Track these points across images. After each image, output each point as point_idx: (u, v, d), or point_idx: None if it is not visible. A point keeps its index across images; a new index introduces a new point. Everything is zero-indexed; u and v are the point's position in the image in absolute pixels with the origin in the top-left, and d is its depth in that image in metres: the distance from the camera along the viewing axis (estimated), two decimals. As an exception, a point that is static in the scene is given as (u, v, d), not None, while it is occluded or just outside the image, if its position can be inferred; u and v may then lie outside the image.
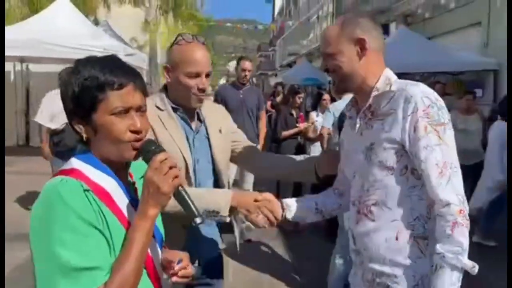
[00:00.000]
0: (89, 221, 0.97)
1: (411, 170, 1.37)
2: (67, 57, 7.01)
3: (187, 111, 1.77)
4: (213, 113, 1.91)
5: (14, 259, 3.98)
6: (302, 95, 5.56)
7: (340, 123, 3.30)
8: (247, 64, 4.91)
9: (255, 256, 4.55)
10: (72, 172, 1.04)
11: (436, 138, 1.31)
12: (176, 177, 1.05)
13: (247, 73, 4.90)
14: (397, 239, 1.39)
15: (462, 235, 1.26)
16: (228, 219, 1.72)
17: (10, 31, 8.53)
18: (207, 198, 1.62)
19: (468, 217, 1.29)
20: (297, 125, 5.27)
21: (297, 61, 27.05)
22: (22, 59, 9.92)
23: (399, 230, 1.39)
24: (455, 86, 10.86)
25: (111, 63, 1.09)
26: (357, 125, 1.50)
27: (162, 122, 1.71)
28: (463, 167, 4.77)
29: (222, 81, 40.92)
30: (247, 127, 4.58)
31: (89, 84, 1.03)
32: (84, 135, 1.09)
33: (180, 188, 1.08)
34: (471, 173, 5.07)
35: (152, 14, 16.87)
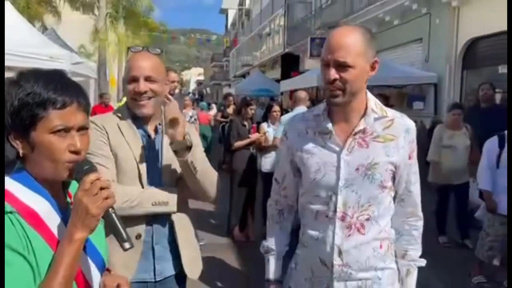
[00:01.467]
0: (10, 246, 0.91)
1: (394, 189, 1.56)
2: (11, 65, 6.65)
3: (143, 119, 1.75)
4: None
5: None
6: (254, 107, 5.58)
7: None
8: (172, 76, 4.73)
9: (208, 267, 4.51)
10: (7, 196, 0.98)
11: (417, 165, 1.60)
12: (107, 198, 1.01)
13: (174, 85, 4.72)
14: (381, 247, 1.53)
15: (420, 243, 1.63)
16: (175, 209, 1.73)
17: None
18: (154, 192, 1.69)
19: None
20: (250, 135, 5.29)
21: (250, 72, 27.27)
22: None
23: (382, 239, 1.54)
24: (398, 98, 11.36)
25: (56, 79, 1.05)
26: (341, 142, 1.50)
27: (120, 130, 1.70)
28: (451, 187, 5.03)
29: (177, 91, 40.37)
30: None
31: (30, 101, 0.99)
32: (21, 151, 1.03)
33: (110, 210, 1.04)
34: (458, 193, 5.21)
35: (102, 22, 16.45)
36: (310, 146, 1.56)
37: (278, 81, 17.26)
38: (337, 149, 1.50)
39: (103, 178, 1.04)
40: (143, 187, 1.71)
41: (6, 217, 0.93)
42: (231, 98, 11.76)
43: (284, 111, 6.19)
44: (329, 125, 1.51)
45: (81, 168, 1.04)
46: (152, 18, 22.89)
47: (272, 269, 1.73)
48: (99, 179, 1.01)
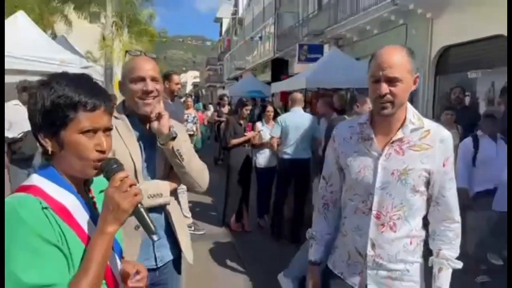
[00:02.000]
0: (48, 239, 0.92)
1: (429, 194, 1.58)
2: (24, 68, 6.57)
3: (140, 118, 1.74)
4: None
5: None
6: (249, 107, 5.57)
7: (328, 133, 3.38)
8: (176, 78, 4.67)
9: (206, 252, 4.52)
10: (31, 188, 0.98)
11: (453, 172, 1.59)
12: (136, 195, 1.01)
13: (178, 87, 4.69)
14: (411, 243, 1.58)
15: (458, 246, 1.59)
16: (169, 200, 1.76)
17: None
18: (148, 186, 1.68)
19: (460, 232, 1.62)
20: (245, 134, 5.28)
21: (242, 75, 27.17)
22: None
23: (413, 237, 1.58)
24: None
25: (86, 83, 1.04)
26: (380, 148, 1.57)
27: (116, 128, 1.66)
28: None
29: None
30: None
31: (62, 102, 0.98)
32: (50, 149, 1.02)
33: (139, 205, 1.03)
34: None
35: (108, 30, 16.36)
36: (353, 150, 1.64)
37: (268, 83, 17.22)
38: (376, 155, 1.57)
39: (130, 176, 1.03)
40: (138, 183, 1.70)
41: (41, 212, 0.93)
42: (226, 98, 11.80)
43: (275, 111, 6.15)
44: (371, 133, 1.58)
45: (110, 166, 1.04)
46: (153, 26, 22.72)
47: (313, 252, 1.81)
48: (127, 177, 1.02)
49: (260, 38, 23.53)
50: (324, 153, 5.11)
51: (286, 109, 6.64)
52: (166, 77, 4.71)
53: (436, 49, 9.60)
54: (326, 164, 1.82)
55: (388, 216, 1.55)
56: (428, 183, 1.55)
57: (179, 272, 1.95)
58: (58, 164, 1.04)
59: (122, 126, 1.70)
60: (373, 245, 1.57)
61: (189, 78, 71.19)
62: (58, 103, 0.98)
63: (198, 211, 5.80)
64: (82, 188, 1.11)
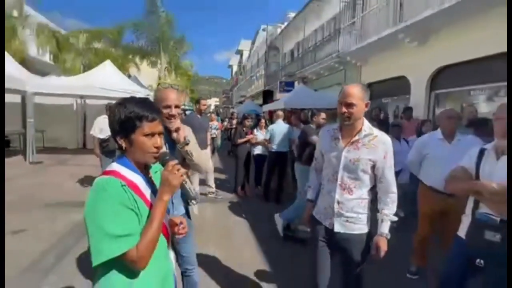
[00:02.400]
0: (126, 205, 0.88)
1: (375, 174, 1.56)
2: (109, 95, 6.60)
3: (166, 128, 1.60)
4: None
5: (72, 219, 3.57)
6: (250, 120, 5.49)
7: (301, 136, 3.64)
8: (203, 102, 4.53)
9: (224, 209, 4.48)
10: (113, 172, 0.93)
11: (392, 161, 1.54)
12: (181, 175, 0.98)
13: (205, 107, 4.55)
14: (361, 202, 1.57)
15: (395, 207, 1.56)
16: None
17: (74, 79, 7.98)
18: None
19: (396, 199, 1.56)
20: (247, 136, 5.23)
21: (245, 100, 27.06)
22: (81, 96, 9.04)
23: (363, 199, 1.57)
24: (329, 116, 11.37)
25: (147, 104, 0.99)
26: (344, 145, 1.56)
27: None
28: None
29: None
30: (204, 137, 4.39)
31: (132, 116, 0.94)
32: (124, 146, 0.97)
33: (183, 182, 1.01)
34: None
35: (162, 72, 16.23)
36: (329, 144, 1.64)
37: (261, 105, 17.14)
38: (341, 148, 1.58)
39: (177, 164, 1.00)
40: None
41: (121, 188, 0.90)
42: (235, 114, 11.71)
43: (265, 122, 6.08)
44: (339, 135, 1.60)
45: (165, 157, 1.01)
46: (190, 70, 22.61)
47: (310, 194, 1.83)
48: (176, 164, 0.99)
49: (256, 77, 23.41)
50: (295, 148, 5.04)
51: (272, 121, 6.56)
52: (197, 101, 4.62)
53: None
54: (316, 150, 1.82)
55: (347, 185, 1.56)
56: (373, 168, 1.54)
57: (190, 218, 1.82)
58: (129, 156, 1.00)
59: None
60: (338, 202, 1.58)
61: (212, 102, 70.93)
62: (130, 116, 0.95)
63: (218, 184, 5.75)
64: (145, 171, 1.06)
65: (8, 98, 6.91)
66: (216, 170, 6.31)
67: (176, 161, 0.99)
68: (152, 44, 16.42)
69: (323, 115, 3.68)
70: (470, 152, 1.60)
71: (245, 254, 3.03)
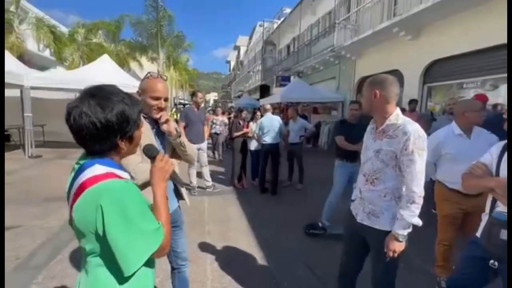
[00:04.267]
0: (145, 201, 0.84)
1: (398, 167, 1.36)
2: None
3: (153, 118, 1.51)
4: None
5: (67, 216, 3.45)
6: (244, 112, 5.33)
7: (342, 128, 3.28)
8: (200, 95, 4.38)
9: (221, 201, 4.37)
10: (112, 175, 0.82)
11: (417, 155, 1.29)
12: (172, 164, 0.98)
13: (201, 100, 4.38)
14: (385, 196, 1.42)
15: (417, 209, 1.31)
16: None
17: (72, 73, 7.78)
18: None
19: (421, 201, 1.31)
20: (243, 129, 5.08)
21: (243, 94, 26.80)
22: (79, 90, 8.78)
23: (387, 193, 1.41)
24: (324, 109, 11.29)
25: (130, 95, 0.91)
26: (373, 135, 1.48)
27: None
28: None
29: (202, 105, 39.79)
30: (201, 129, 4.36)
31: (138, 114, 0.91)
32: (122, 146, 0.87)
33: (174, 171, 1.02)
34: None
35: (161, 67, 15.93)
36: (366, 137, 1.57)
37: (258, 99, 16.95)
38: (370, 139, 1.51)
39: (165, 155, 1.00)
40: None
41: (131, 183, 0.85)
42: (232, 108, 11.55)
43: (261, 115, 5.91)
44: (374, 127, 1.51)
45: (154, 149, 1.02)
46: (190, 66, 22.30)
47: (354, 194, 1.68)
48: (165, 156, 0.99)
49: (253, 72, 23.11)
50: (285, 140, 4.80)
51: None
52: (194, 93, 4.43)
53: (357, 78, 9.42)
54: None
55: (370, 176, 1.46)
56: (396, 159, 1.36)
57: (181, 212, 1.75)
58: (117, 155, 0.89)
59: (146, 125, 1.51)
60: (360, 191, 1.52)
61: (212, 97, 70.62)
62: (138, 115, 0.90)
63: (215, 177, 5.64)
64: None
65: (8, 92, 6.68)
66: (214, 163, 6.18)
67: (163, 154, 0.98)
68: (150, 39, 16.06)
69: (354, 106, 3.23)
70: (492, 148, 1.42)
71: (241, 244, 2.95)
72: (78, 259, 2.50)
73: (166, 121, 1.48)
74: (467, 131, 2.03)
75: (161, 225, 0.84)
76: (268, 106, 5.01)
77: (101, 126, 0.80)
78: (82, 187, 0.79)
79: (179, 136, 1.52)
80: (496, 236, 1.25)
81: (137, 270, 0.78)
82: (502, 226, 1.24)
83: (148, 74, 1.50)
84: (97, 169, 0.81)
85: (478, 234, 1.40)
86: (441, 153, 2.09)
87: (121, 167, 0.87)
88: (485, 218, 1.38)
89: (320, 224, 3.22)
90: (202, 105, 4.57)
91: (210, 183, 4.86)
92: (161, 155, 0.97)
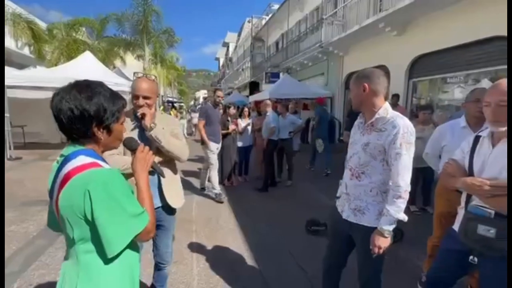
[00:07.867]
0: (129, 187, 0.88)
1: (386, 161, 1.33)
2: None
3: (139, 118, 1.56)
4: (160, 119, 1.63)
5: (45, 220, 3.29)
6: (233, 108, 5.18)
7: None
8: (219, 93, 4.39)
9: (205, 204, 4.29)
10: (95, 164, 0.85)
11: (405, 149, 1.27)
12: (152, 155, 1.04)
13: (220, 98, 4.36)
14: (371, 191, 1.38)
15: (403, 203, 1.28)
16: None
17: (51, 71, 7.40)
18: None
19: (407, 195, 1.28)
20: (230, 127, 4.94)
21: (232, 91, 26.63)
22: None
23: (373, 187, 1.37)
24: (312, 105, 11.25)
25: (115, 91, 0.95)
26: (362, 129, 1.43)
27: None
28: (417, 169, 3.10)
29: (191, 102, 39.23)
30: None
31: (120, 107, 0.95)
32: (99, 136, 0.90)
33: (153, 162, 1.06)
34: (422, 174, 3.68)
35: (147, 65, 15.54)
36: (355, 129, 1.52)
37: (247, 96, 16.84)
38: (360, 132, 1.46)
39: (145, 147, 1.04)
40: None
41: (116, 170, 0.87)
42: (221, 105, 11.38)
43: (249, 112, 5.80)
44: (362, 121, 1.47)
45: (135, 142, 1.11)
46: (178, 64, 21.80)
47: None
48: (145, 148, 1.04)
49: (242, 69, 22.94)
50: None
51: (259, 112, 6.26)
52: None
53: (345, 74, 9.48)
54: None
55: (356, 170, 1.42)
56: (384, 153, 1.32)
57: (171, 214, 1.69)
58: (97, 145, 0.92)
59: (128, 122, 1.58)
60: (346, 187, 1.48)
61: (201, 94, 69.97)
62: (119, 107, 0.93)
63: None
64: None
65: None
66: (201, 160, 6.04)
67: (143, 146, 1.03)
68: (135, 35, 15.60)
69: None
70: (463, 143, 1.37)
71: (230, 242, 2.89)
72: (56, 266, 2.37)
73: (142, 116, 1.53)
74: (474, 124, 1.83)
75: (145, 210, 0.88)
76: (269, 102, 5.01)
77: (77, 112, 0.84)
78: (68, 176, 0.81)
79: (151, 129, 1.53)
80: (473, 231, 1.21)
81: (122, 251, 0.82)
82: (479, 220, 1.20)
83: (134, 76, 1.59)
84: (82, 159, 0.85)
85: (455, 227, 1.37)
86: (441, 145, 2.00)
87: (103, 160, 0.90)
88: (461, 211, 1.35)
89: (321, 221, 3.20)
90: (191, 102, 4.50)
91: (218, 191, 4.33)
92: (141, 147, 1.02)
